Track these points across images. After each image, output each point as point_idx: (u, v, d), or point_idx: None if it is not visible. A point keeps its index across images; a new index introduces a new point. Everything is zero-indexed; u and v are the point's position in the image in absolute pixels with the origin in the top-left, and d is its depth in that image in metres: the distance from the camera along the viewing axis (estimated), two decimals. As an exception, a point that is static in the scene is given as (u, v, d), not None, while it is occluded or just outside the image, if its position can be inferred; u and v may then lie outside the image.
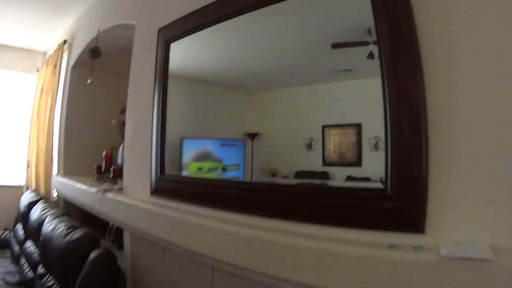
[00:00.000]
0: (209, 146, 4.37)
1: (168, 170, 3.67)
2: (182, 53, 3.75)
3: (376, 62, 3.25)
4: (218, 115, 4.79)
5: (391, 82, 1.73)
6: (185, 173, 4.09)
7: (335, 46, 3.07)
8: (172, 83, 3.30)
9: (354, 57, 3.62)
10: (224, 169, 4.34)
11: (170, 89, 3.31)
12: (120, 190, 3.92)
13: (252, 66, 3.97)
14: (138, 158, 3.77)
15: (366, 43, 3.01)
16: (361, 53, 3.38)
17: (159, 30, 3.44)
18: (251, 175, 5.15)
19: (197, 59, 3.98)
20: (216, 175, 4.40)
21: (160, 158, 3.68)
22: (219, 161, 4.32)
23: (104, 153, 5.08)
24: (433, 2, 1.61)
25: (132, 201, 3.49)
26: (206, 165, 4.31)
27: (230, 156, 4.69)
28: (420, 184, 1.50)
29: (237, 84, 4.72)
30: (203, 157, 4.30)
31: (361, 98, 4.73)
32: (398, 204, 1.56)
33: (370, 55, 3.25)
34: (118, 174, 4.39)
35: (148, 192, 3.58)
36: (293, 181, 4.37)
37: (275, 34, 3.27)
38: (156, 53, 3.49)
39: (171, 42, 3.33)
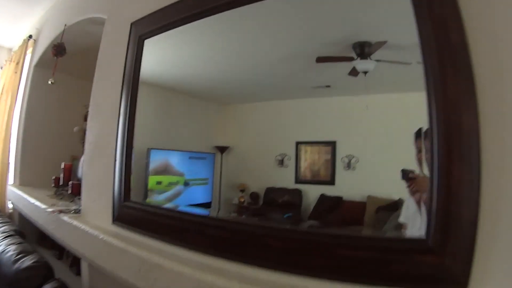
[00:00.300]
0: (175, 158, 4.11)
1: (133, 186, 3.12)
2: (153, 58, 3.50)
3: (364, 79, 3.14)
4: (188, 126, 4.59)
5: (439, 107, 1.36)
6: (163, 196, 3.88)
7: (320, 60, 2.92)
8: (142, 89, 2.96)
9: (334, 73, 3.49)
10: (186, 184, 4.08)
11: (140, 95, 2.92)
12: (78, 212, 3.46)
13: (227, 77, 3.78)
14: (99, 177, 3.31)
15: (350, 59, 2.88)
16: (343, 69, 3.25)
17: (132, 24, 3.05)
18: (219, 191, 4.95)
19: (169, 65, 3.76)
20: (176, 190, 4.13)
21: (125, 179, 3.05)
22: (180, 175, 4.06)
23: (62, 165, 4.59)
24: (482, 6, 1.37)
25: (91, 229, 2.92)
26: (165, 179, 4.07)
27: (198, 170, 4.47)
28: (469, 233, 1.23)
29: (210, 95, 4.54)
30: (163, 170, 4.04)
31: (338, 116, 4.61)
32: (442, 259, 1.24)
33: (353, 72, 3.12)
34: (77, 190, 3.91)
35: (110, 218, 3.02)
36: (305, 224, 4.12)
37: (256, 44, 3.08)
38: (127, 51, 3.10)
39: (145, 38, 2.97)
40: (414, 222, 1.72)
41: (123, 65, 3.24)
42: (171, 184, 4.09)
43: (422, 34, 1.43)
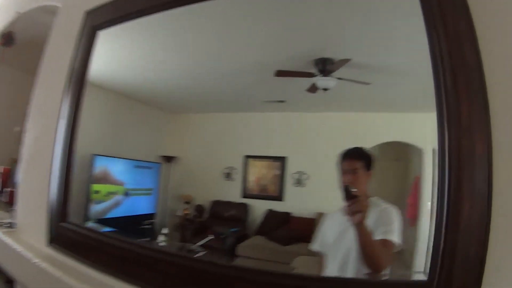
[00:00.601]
0: (119, 166, 3.92)
1: (74, 195, 2.58)
2: (103, 58, 3.27)
3: (323, 96, 3.11)
4: (135, 134, 4.43)
5: (451, 132, 1.15)
6: (101, 206, 3.66)
7: (280, 74, 2.84)
8: (89, 90, 2.67)
9: (290, 88, 3.44)
10: (126, 194, 3.87)
11: (86, 96, 2.58)
12: (12, 227, 3.00)
13: (179, 84, 3.67)
14: (36, 187, 2.81)
15: (311, 75, 2.83)
16: (300, 85, 3.20)
17: (87, 14, 2.71)
18: (164, 202, 4.79)
19: (119, 67, 3.56)
20: (115, 200, 3.91)
21: (64, 195, 2.45)
22: (120, 184, 3.84)
23: (1, 169, 4.21)
24: (495, 21, 1.23)
25: (23, 250, 2.42)
26: (104, 188, 3.84)
27: (142, 180, 4.30)
28: (475, 273, 1.08)
29: (160, 102, 4.41)
30: (101, 178, 3.80)
31: (290, 132, 4.57)
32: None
33: (312, 88, 3.08)
34: (14, 200, 3.48)
35: (46, 238, 2.56)
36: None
37: (211, 51, 2.96)
38: (78, 44, 2.75)
39: (99, 29, 2.65)
40: (336, 253, 1.62)
41: (71, 60, 2.91)
42: (110, 194, 3.88)
43: (434, 52, 1.28)
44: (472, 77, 1.13)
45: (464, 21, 1.14)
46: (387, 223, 1.55)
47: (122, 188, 3.92)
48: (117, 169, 3.90)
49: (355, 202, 1.34)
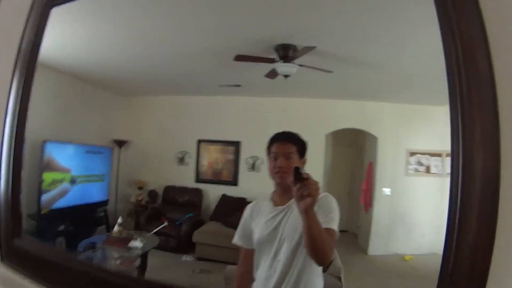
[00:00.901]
0: (68, 152, 3.75)
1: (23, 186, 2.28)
2: (55, 38, 3.09)
3: (284, 82, 3.07)
4: (87, 117, 4.25)
5: (464, 147, 1.04)
6: (46, 197, 3.45)
7: (239, 58, 2.76)
8: (39, 72, 2.50)
9: (248, 73, 3.38)
10: (73, 181, 3.71)
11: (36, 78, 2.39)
12: None
13: (131, 66, 3.55)
14: None
15: (271, 60, 2.77)
16: (257, 70, 3.14)
17: None
18: (116, 189, 4.66)
19: (70, 48, 3.36)
20: (61, 189, 3.71)
21: (13, 201, 2.07)
22: (66, 171, 3.67)
23: None
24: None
25: None
26: (48, 176, 3.65)
27: (94, 166, 4.15)
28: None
29: (112, 84, 4.26)
30: (45, 166, 3.59)
31: (244, 116, 4.54)
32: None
33: (271, 74, 3.03)
34: None
35: None
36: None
37: (167, 32, 2.80)
38: (28, 21, 2.53)
39: (53, 5, 2.43)
40: (267, 247, 1.43)
41: (20, 39, 2.70)
42: (55, 182, 3.68)
43: (451, 60, 1.20)
44: (485, 86, 1.11)
45: (477, 28, 1.11)
46: (328, 211, 1.35)
47: (69, 175, 3.74)
48: (65, 155, 3.71)
49: (305, 185, 1.15)
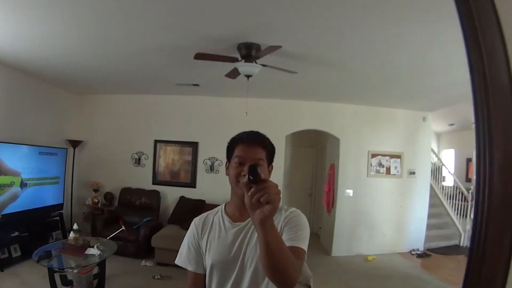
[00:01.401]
0: (20, 154, 3.57)
1: None
2: (2, 31, 2.87)
3: (244, 82, 2.98)
4: (38, 117, 4.06)
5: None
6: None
7: (199, 57, 2.67)
8: None
9: (208, 71, 3.30)
10: (23, 185, 3.53)
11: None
12: None
13: (85, 62, 3.41)
14: None
15: (234, 59, 2.70)
16: (218, 69, 3.07)
17: None
18: (71, 191, 4.48)
19: (21, 42, 3.13)
20: (11, 193, 3.49)
21: None
22: (16, 174, 3.48)
23: None
24: None
25: None
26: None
27: (47, 168, 3.97)
28: None
29: (65, 82, 4.08)
30: None
31: (203, 116, 4.49)
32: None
33: (233, 73, 2.97)
34: None
35: None
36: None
37: (124, 30, 2.65)
38: None
39: None
40: (224, 272, 1.19)
41: None
42: (4, 186, 3.46)
43: (477, 72, 1.15)
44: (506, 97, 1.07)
45: (498, 39, 1.07)
46: (297, 227, 1.13)
47: (19, 178, 3.53)
48: (15, 157, 3.50)
49: (263, 189, 0.89)
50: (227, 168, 1.20)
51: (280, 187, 0.87)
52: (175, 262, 1.22)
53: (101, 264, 2.94)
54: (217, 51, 2.74)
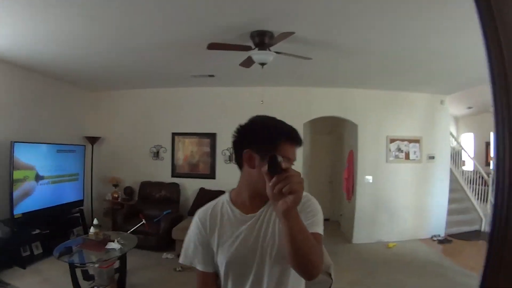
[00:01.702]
0: (41, 152, 3.55)
1: None
2: (15, 32, 2.87)
3: (259, 70, 2.94)
4: (56, 115, 4.07)
5: None
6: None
7: (212, 47, 2.63)
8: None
9: (222, 62, 3.26)
10: (39, 178, 3.52)
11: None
12: None
13: (98, 59, 3.37)
14: None
15: (247, 48, 2.65)
16: (232, 58, 3.03)
17: None
18: (91, 187, 4.51)
19: (32, 39, 3.12)
20: (24, 188, 3.52)
21: None
22: (30, 168, 3.47)
23: None
24: None
25: None
26: (20, 174, 3.45)
27: (66, 165, 3.98)
28: None
29: (79, 79, 4.07)
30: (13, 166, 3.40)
31: (219, 107, 4.44)
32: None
33: (247, 62, 2.92)
34: None
35: None
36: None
37: (136, 22, 2.61)
38: None
39: None
40: (241, 269, 1.09)
41: None
42: (18, 181, 3.46)
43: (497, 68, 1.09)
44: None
45: None
46: (311, 213, 1.07)
47: (34, 172, 3.54)
48: (31, 155, 3.51)
49: (285, 179, 0.86)
50: (253, 159, 1.03)
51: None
52: (180, 261, 1.11)
53: (122, 258, 2.92)
54: (230, 41, 2.69)
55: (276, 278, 1.06)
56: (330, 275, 1.83)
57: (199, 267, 1.09)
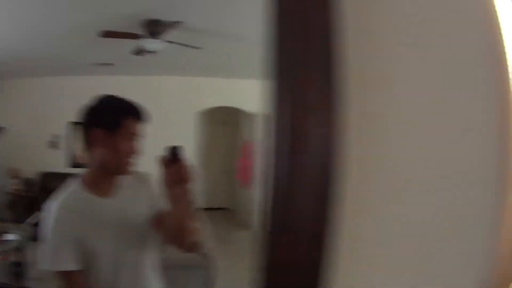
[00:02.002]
0: None
1: None
2: None
3: (153, 59, 3.02)
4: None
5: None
6: None
7: (106, 35, 2.67)
8: None
9: (120, 50, 3.28)
10: None
11: None
12: None
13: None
14: None
15: (136, 36, 2.72)
16: (128, 47, 3.07)
17: None
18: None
19: None
20: None
21: None
22: None
23: None
24: None
25: None
26: None
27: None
28: None
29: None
30: None
31: (120, 96, 4.44)
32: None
33: (138, 51, 2.98)
34: None
35: None
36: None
37: (30, 12, 2.57)
38: None
39: None
40: (105, 257, 1.04)
41: None
42: None
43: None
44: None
45: None
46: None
47: None
48: None
49: (181, 168, 0.95)
50: (98, 138, 1.04)
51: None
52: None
53: (21, 250, 2.94)
54: (123, 29, 2.73)
55: (137, 261, 1.10)
56: (206, 255, 1.91)
57: (71, 266, 1.01)
